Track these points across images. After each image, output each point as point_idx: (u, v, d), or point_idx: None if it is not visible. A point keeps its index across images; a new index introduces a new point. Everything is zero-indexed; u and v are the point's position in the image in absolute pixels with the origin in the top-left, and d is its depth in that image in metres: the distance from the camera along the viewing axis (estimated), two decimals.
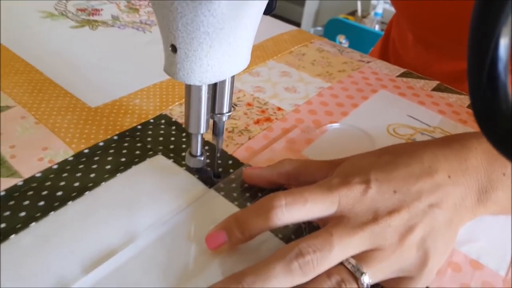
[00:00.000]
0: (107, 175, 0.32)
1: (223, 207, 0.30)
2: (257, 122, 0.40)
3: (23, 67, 0.44)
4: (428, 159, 0.28)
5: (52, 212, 0.28)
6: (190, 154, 0.31)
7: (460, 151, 0.29)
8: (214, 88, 0.29)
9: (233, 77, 0.28)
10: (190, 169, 0.33)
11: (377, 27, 1.92)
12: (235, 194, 0.31)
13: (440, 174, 0.28)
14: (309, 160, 0.32)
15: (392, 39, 0.73)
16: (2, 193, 0.29)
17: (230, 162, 0.34)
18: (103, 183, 0.31)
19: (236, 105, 0.43)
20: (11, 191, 0.30)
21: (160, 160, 0.34)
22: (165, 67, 0.25)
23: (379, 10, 1.90)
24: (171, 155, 0.34)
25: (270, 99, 0.43)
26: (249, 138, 0.37)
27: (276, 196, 0.26)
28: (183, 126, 0.28)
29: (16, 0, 0.60)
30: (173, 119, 0.39)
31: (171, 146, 0.35)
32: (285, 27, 0.62)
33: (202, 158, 0.31)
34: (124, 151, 0.34)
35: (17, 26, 0.53)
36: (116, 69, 0.46)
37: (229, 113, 0.30)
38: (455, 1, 0.49)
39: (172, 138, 0.36)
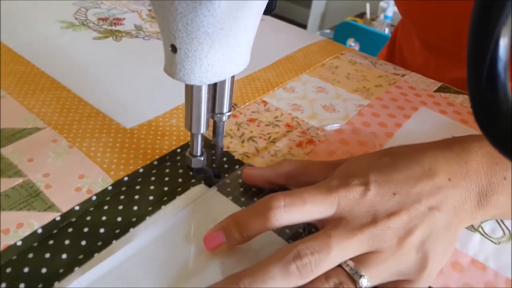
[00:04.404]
0: (150, 208, 0.29)
1: (223, 207, 0.30)
2: (299, 144, 0.38)
3: (49, 84, 0.42)
4: (429, 161, 0.28)
5: (96, 254, 0.26)
6: (191, 154, 0.30)
7: (461, 154, 0.29)
8: (214, 88, 0.29)
9: (233, 77, 0.28)
10: (236, 200, 0.31)
11: (386, 30, 1.89)
12: (236, 194, 0.31)
13: (441, 177, 0.27)
14: (309, 160, 0.32)
15: (398, 44, 0.71)
16: (40, 231, 0.27)
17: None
18: (147, 217, 0.29)
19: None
20: (49, 227, 0.27)
21: (204, 189, 0.32)
22: (165, 67, 0.25)
23: (389, 13, 1.87)
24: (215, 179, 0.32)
25: (310, 120, 0.41)
26: None
27: (275, 197, 0.25)
28: (185, 126, 0.29)
29: (34, 9, 0.57)
30: (213, 142, 0.37)
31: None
32: (312, 38, 0.60)
33: (202, 158, 0.31)
34: (166, 178, 0.32)
35: (38, 38, 0.51)
36: (146, 84, 0.44)
37: (229, 113, 0.30)
38: (459, 3, 0.46)
39: (213, 165, 0.34)
